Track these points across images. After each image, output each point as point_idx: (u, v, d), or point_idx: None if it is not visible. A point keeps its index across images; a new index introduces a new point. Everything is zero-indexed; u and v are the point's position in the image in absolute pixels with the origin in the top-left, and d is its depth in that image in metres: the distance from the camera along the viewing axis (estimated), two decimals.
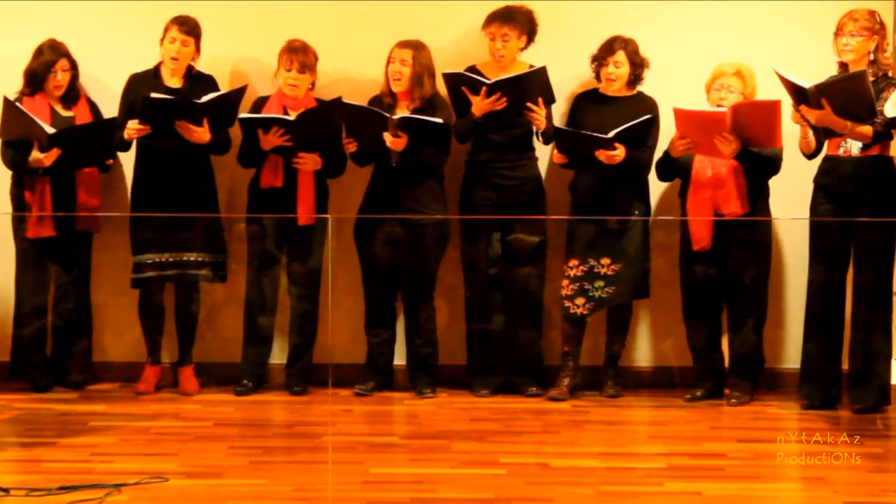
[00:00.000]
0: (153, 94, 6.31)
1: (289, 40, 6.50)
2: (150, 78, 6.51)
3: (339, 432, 5.90)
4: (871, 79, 5.98)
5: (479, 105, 6.39)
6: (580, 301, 6.52)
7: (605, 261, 6.48)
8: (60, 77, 6.45)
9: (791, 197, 6.52)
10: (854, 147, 6.19)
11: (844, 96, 5.91)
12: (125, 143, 6.48)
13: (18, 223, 6.48)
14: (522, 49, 6.54)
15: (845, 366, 6.40)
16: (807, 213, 6.39)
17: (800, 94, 6.00)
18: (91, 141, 6.39)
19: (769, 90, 6.27)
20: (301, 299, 6.64)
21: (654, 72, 6.57)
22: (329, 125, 6.41)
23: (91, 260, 6.67)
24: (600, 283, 6.49)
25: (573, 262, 6.52)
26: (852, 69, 6.15)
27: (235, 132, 6.51)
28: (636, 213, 6.52)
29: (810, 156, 6.35)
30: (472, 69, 6.52)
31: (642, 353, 6.91)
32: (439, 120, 6.38)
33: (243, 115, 6.44)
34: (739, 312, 6.53)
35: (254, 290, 6.63)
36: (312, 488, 5.01)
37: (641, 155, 6.44)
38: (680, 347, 6.77)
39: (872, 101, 5.89)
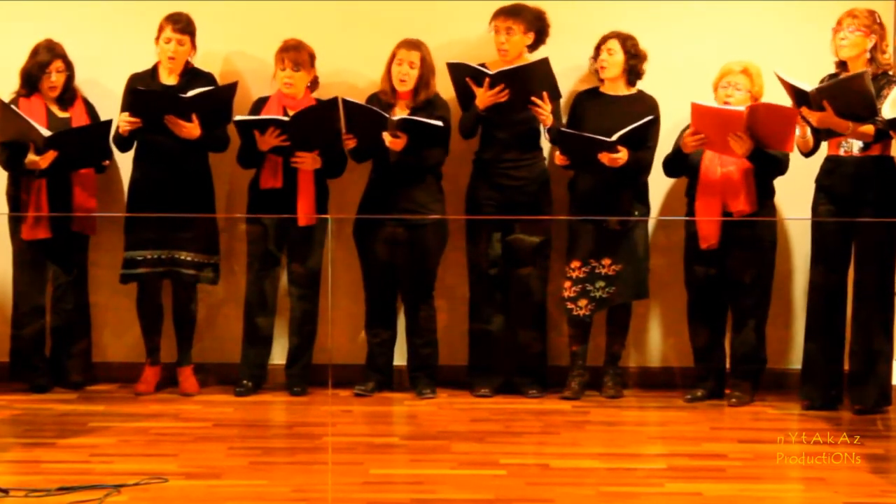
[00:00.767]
0: (140, 87, 6.32)
1: (284, 40, 6.50)
2: (148, 77, 6.51)
3: (339, 433, 5.89)
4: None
5: (483, 97, 6.38)
6: (582, 303, 6.51)
7: (606, 261, 6.48)
8: (55, 78, 6.44)
9: (792, 197, 6.52)
10: (855, 147, 6.19)
11: (846, 97, 5.90)
12: (126, 142, 6.47)
13: (15, 224, 6.48)
14: (530, 47, 6.53)
15: (846, 366, 6.39)
16: (808, 214, 6.38)
17: (800, 97, 6.00)
18: (87, 143, 6.38)
19: (774, 89, 6.25)
20: (301, 299, 6.63)
21: (655, 70, 6.57)
22: (326, 124, 6.40)
23: (88, 260, 6.66)
24: (601, 284, 6.49)
25: (575, 264, 6.52)
26: (850, 67, 6.14)
27: (235, 132, 6.50)
28: (636, 213, 6.51)
29: (807, 154, 6.35)
30: (480, 66, 6.51)
31: (643, 353, 6.90)
32: (439, 122, 6.38)
33: (238, 117, 6.43)
34: (741, 312, 6.52)
35: (254, 290, 6.63)
36: (312, 489, 5.00)
37: (641, 157, 6.43)
38: (680, 347, 6.77)
39: (874, 101, 5.89)
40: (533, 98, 6.38)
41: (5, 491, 4.85)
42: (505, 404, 6.47)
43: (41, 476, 5.08)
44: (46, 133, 6.23)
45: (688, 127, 6.33)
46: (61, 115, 6.49)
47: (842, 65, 6.23)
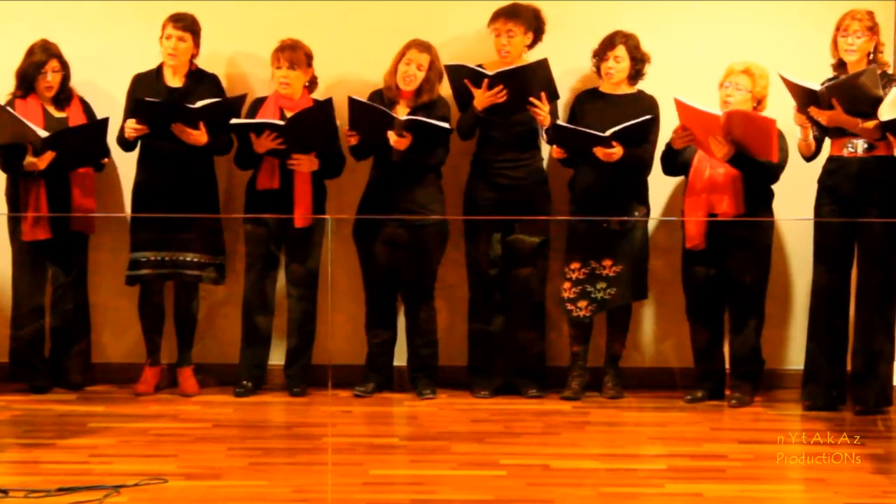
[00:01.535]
0: (146, 98, 6.32)
1: (280, 41, 6.49)
2: (153, 78, 6.51)
3: (339, 433, 5.89)
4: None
5: (481, 98, 6.38)
6: (582, 304, 6.51)
7: (607, 262, 6.47)
8: (51, 78, 6.43)
9: (794, 198, 6.51)
10: (860, 147, 6.18)
11: (854, 94, 5.91)
12: (130, 143, 6.47)
13: (14, 224, 6.47)
14: (529, 46, 6.53)
15: (848, 367, 6.39)
16: (810, 214, 6.38)
17: (808, 97, 6.00)
18: (84, 142, 6.37)
19: (779, 91, 6.24)
20: (300, 300, 6.62)
21: (656, 69, 6.56)
22: (323, 126, 6.39)
23: (87, 261, 6.66)
24: (602, 285, 6.48)
25: (574, 265, 6.51)
26: (851, 69, 6.14)
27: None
28: (636, 214, 6.51)
29: (809, 158, 6.35)
30: (479, 67, 6.51)
31: (643, 353, 6.90)
32: (445, 124, 6.38)
33: (235, 120, 6.42)
34: (740, 313, 6.51)
35: (253, 291, 6.62)
36: (312, 490, 5.00)
37: (641, 153, 6.43)
38: (681, 348, 6.77)
39: (881, 97, 5.89)
40: (531, 98, 6.38)
41: (5, 491, 4.85)
42: (505, 405, 6.46)
43: (41, 477, 5.08)
44: (43, 134, 6.22)
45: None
46: (58, 115, 6.48)
47: (840, 65, 6.23)
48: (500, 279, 6.61)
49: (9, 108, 6.29)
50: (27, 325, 6.54)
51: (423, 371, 6.65)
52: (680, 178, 6.62)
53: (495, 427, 6.06)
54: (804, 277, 6.59)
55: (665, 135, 6.49)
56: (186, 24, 6.44)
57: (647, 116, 6.39)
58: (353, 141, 6.45)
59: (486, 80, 6.35)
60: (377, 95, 6.53)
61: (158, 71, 6.54)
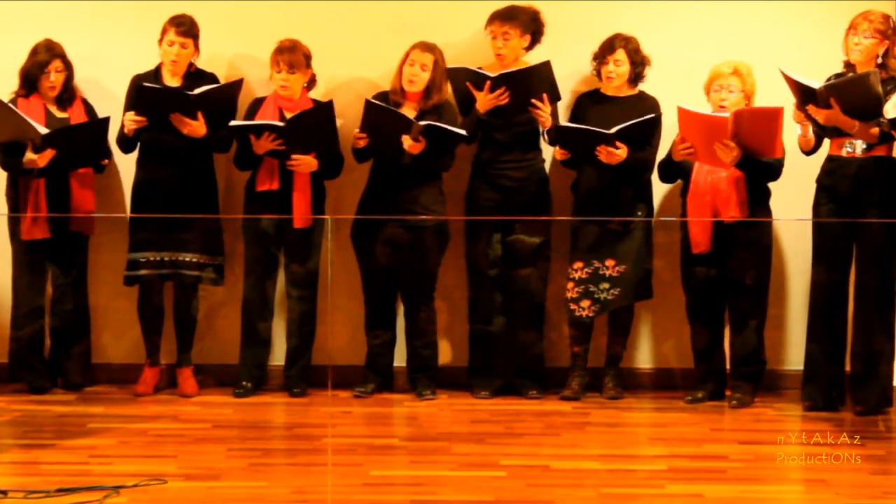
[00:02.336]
0: (146, 84, 6.31)
1: (279, 41, 6.48)
2: (152, 78, 6.49)
3: (339, 434, 5.88)
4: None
5: (483, 101, 6.37)
6: (585, 304, 6.50)
7: (610, 262, 6.47)
8: (54, 78, 6.43)
9: (793, 198, 6.50)
10: (858, 148, 6.18)
11: (853, 96, 5.90)
12: (130, 143, 6.46)
13: (14, 225, 6.46)
14: (527, 49, 6.52)
15: (848, 367, 6.38)
16: (809, 214, 6.37)
17: (807, 95, 5.99)
18: (85, 141, 6.37)
19: (770, 87, 6.25)
20: (300, 301, 6.62)
21: (656, 71, 6.56)
22: (323, 127, 6.38)
23: (87, 261, 6.65)
24: (605, 286, 6.47)
25: (577, 265, 6.51)
26: (858, 69, 6.13)
27: None
28: (639, 213, 6.50)
29: (809, 153, 6.34)
30: (478, 70, 6.51)
31: (643, 354, 6.89)
32: (462, 132, 6.37)
33: (234, 122, 6.41)
34: (740, 314, 6.51)
35: (252, 291, 6.62)
36: (312, 490, 4.99)
37: (644, 155, 6.42)
38: (681, 349, 6.76)
39: (881, 101, 5.89)
40: (533, 100, 6.37)
41: (4, 492, 4.84)
42: (505, 405, 6.46)
43: (40, 477, 5.07)
44: (44, 131, 6.22)
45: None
46: (60, 115, 6.48)
47: (850, 65, 6.22)
48: (500, 280, 6.61)
49: (10, 105, 6.28)
50: (27, 326, 6.52)
51: (423, 372, 6.64)
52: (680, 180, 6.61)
53: (495, 428, 6.06)
54: (803, 278, 6.58)
55: (666, 138, 6.48)
56: (187, 29, 6.43)
57: (651, 115, 6.38)
58: (362, 143, 6.43)
59: (488, 83, 6.35)
60: (382, 98, 6.51)
61: (157, 71, 6.53)
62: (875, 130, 6.00)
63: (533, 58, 6.52)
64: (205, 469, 5.27)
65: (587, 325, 6.57)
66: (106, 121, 6.39)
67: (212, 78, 6.55)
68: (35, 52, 6.43)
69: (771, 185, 6.42)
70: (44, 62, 6.41)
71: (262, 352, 6.68)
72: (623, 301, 6.53)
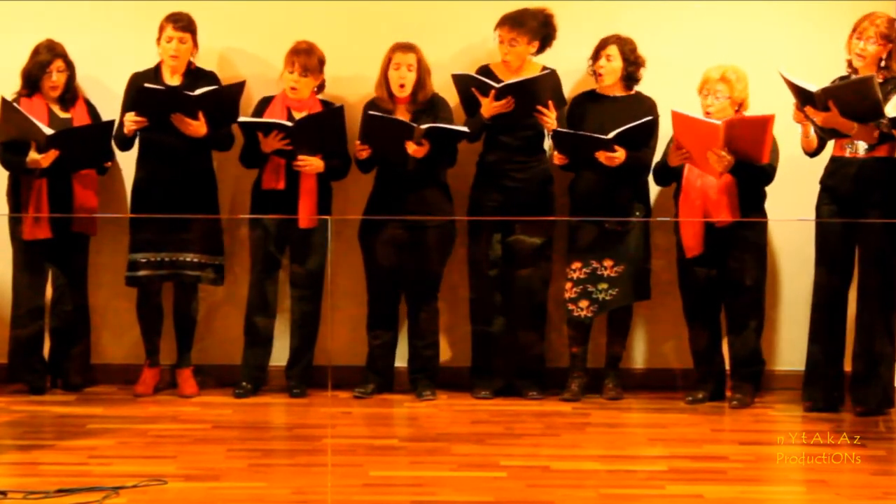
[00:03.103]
0: (147, 84, 6.31)
1: (296, 42, 6.48)
2: (151, 77, 6.50)
3: (339, 435, 5.88)
4: (878, 81, 5.97)
5: (489, 107, 6.38)
6: (584, 304, 6.50)
7: (608, 262, 6.47)
8: (56, 78, 6.42)
9: (794, 199, 6.50)
10: (860, 148, 6.17)
11: (851, 99, 5.90)
12: (128, 141, 6.46)
13: (15, 225, 6.46)
14: (536, 53, 6.51)
15: (848, 367, 6.38)
16: (811, 215, 6.37)
17: (805, 97, 5.99)
18: (89, 143, 6.37)
19: (770, 87, 6.24)
20: (302, 301, 6.61)
21: (654, 72, 6.56)
22: (331, 130, 6.38)
23: (88, 262, 6.65)
24: (604, 286, 6.47)
25: (576, 265, 6.51)
26: (861, 73, 6.12)
27: (239, 130, 6.49)
28: (637, 213, 6.50)
29: (812, 154, 6.34)
30: (485, 68, 6.53)
31: (643, 354, 6.89)
32: (465, 129, 6.37)
33: (242, 118, 6.42)
34: (739, 315, 6.50)
35: (255, 291, 6.62)
36: (312, 491, 4.99)
37: (641, 156, 6.42)
38: (681, 349, 6.75)
39: (880, 103, 5.88)
40: (538, 106, 6.37)
41: (4, 493, 4.84)
42: (505, 406, 6.46)
43: (40, 478, 5.07)
44: (48, 131, 6.22)
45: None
46: (63, 115, 6.48)
47: (854, 67, 6.21)
48: (500, 280, 6.60)
49: (14, 105, 6.28)
50: (27, 326, 6.52)
51: (424, 372, 6.64)
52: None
53: (495, 428, 6.05)
54: (804, 279, 6.58)
55: (662, 140, 6.48)
56: (185, 25, 6.44)
57: (649, 118, 6.38)
58: (365, 154, 6.42)
59: (493, 91, 6.34)
60: (372, 107, 6.49)
61: (157, 69, 6.53)
62: (875, 132, 5.99)
63: (541, 60, 6.51)
64: (205, 470, 5.26)
65: (586, 325, 6.57)
66: (110, 124, 6.39)
67: (211, 76, 6.55)
68: (36, 52, 6.43)
69: (773, 185, 6.41)
70: (45, 62, 6.41)
71: (264, 353, 6.68)
72: (621, 301, 6.53)
